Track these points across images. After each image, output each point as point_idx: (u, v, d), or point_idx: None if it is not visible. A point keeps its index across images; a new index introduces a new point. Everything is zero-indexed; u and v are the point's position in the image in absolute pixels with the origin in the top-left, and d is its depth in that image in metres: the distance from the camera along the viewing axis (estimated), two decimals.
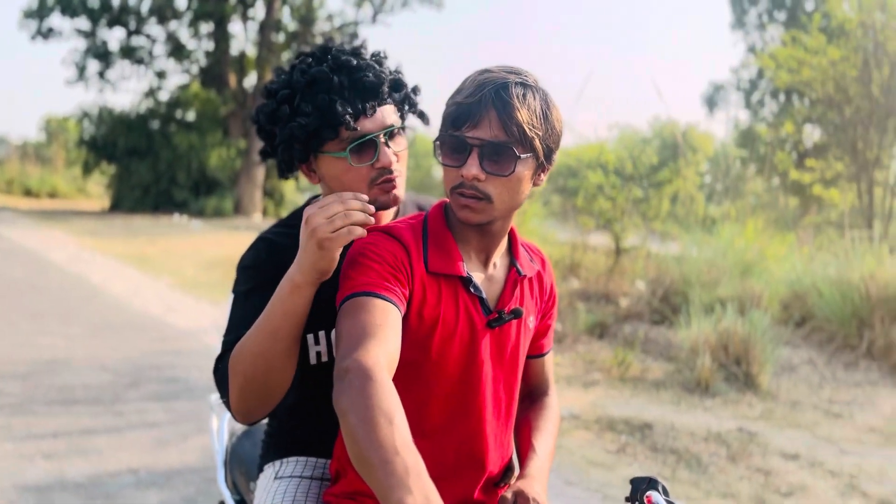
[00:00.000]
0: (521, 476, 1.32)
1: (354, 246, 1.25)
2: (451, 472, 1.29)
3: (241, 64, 22.19)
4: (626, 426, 4.68)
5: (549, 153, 1.26)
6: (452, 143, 1.22)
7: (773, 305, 6.97)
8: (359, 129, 1.38)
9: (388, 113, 1.43)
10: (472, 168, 1.19)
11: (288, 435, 1.53)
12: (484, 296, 1.29)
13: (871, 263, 6.82)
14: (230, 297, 1.46)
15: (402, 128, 1.48)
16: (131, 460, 3.75)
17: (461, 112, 1.21)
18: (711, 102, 25.89)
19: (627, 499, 1.21)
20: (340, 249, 1.18)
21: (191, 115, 22.13)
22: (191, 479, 3.56)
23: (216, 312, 7.90)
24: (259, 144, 1.56)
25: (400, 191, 1.44)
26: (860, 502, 3.69)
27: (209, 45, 22.44)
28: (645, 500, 1.16)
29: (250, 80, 22.46)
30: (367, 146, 1.39)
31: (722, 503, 3.59)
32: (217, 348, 1.40)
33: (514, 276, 1.34)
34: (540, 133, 1.22)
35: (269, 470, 1.51)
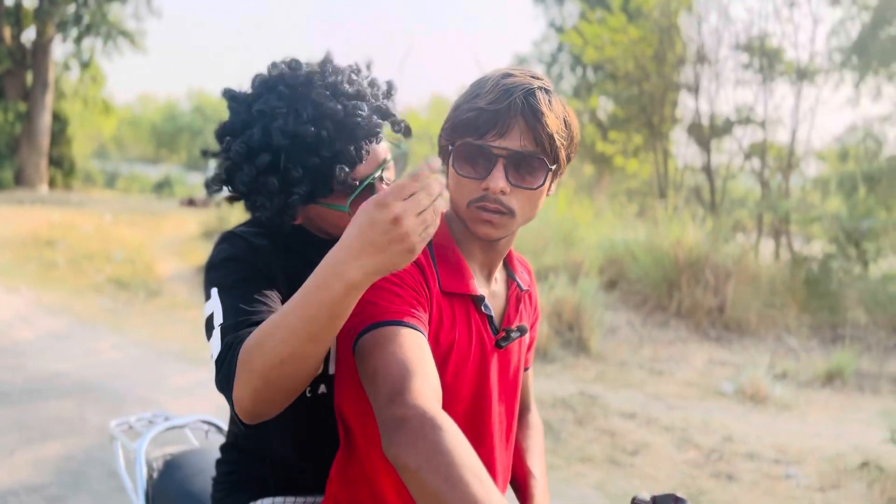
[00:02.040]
0: None
1: None
2: None
3: (17, 16, 19.70)
4: None
5: (568, 162, 1.18)
6: (474, 153, 1.12)
7: (593, 272, 7.46)
8: (356, 179, 1.22)
9: (380, 148, 1.28)
10: (500, 181, 1.10)
11: (260, 471, 1.34)
12: (493, 314, 1.21)
13: (677, 230, 7.49)
14: (213, 294, 1.19)
15: (397, 149, 1.33)
16: None
17: (485, 119, 1.10)
18: None
19: None
20: None
21: None
22: (28, 500, 3.17)
23: (18, 301, 7.06)
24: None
25: None
26: (695, 454, 4.07)
27: None
28: None
29: (29, 35, 20.04)
30: (365, 191, 1.24)
31: (582, 468, 3.80)
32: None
33: (515, 291, 1.27)
34: (565, 143, 1.14)
35: None
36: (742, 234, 9.82)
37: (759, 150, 10.61)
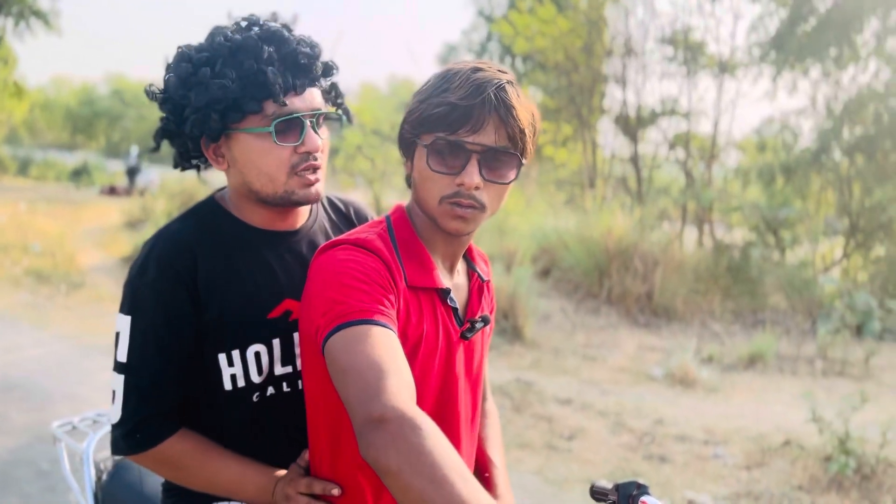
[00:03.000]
0: (494, 496, 1.27)
1: (330, 262, 1.10)
2: None
3: None
4: None
5: (531, 153, 1.19)
6: (446, 149, 1.11)
7: (527, 260, 7.57)
8: (287, 104, 1.21)
9: (316, 96, 1.27)
10: (475, 176, 1.10)
11: None
12: (458, 306, 1.21)
13: (607, 219, 7.66)
14: (125, 319, 1.21)
15: (334, 115, 1.33)
16: None
17: (458, 114, 1.09)
18: (445, 63, 27.00)
19: None
20: None
21: None
22: None
23: None
24: None
25: (321, 186, 1.28)
26: (629, 437, 4.20)
27: None
28: None
29: None
30: (294, 126, 1.22)
31: (521, 454, 3.86)
32: None
33: (477, 282, 1.28)
34: (532, 136, 1.16)
35: None
36: (667, 222, 10.13)
37: (682, 141, 10.94)
